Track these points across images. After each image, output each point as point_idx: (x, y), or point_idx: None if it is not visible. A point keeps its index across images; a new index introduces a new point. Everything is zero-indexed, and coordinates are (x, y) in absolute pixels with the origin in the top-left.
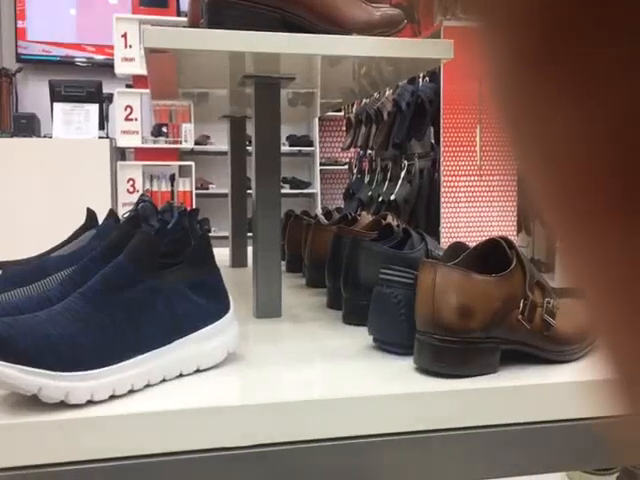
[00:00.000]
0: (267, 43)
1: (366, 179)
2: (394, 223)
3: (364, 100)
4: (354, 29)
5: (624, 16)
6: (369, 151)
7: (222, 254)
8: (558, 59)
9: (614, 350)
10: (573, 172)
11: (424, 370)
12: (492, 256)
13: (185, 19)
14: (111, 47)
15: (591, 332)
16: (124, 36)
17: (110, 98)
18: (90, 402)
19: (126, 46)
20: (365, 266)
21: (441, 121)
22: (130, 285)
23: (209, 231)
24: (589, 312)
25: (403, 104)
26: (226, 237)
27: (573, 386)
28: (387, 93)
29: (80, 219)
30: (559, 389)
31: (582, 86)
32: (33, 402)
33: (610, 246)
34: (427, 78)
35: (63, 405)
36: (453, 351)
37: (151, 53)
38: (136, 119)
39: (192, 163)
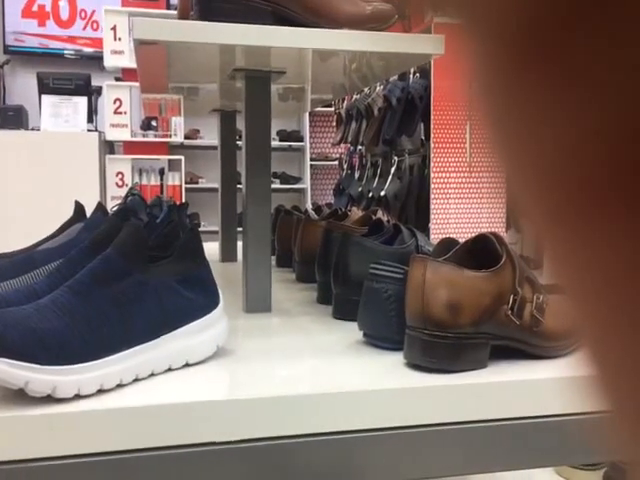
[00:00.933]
0: (258, 36)
1: (356, 175)
2: (384, 218)
3: (355, 96)
4: (345, 23)
5: (613, 12)
6: (359, 147)
7: (211, 248)
8: (542, 57)
9: (599, 349)
10: (559, 174)
11: (414, 365)
12: (482, 252)
13: (175, 12)
14: (100, 40)
15: (575, 329)
16: (113, 29)
17: (99, 91)
18: (77, 396)
19: (115, 39)
20: (355, 261)
21: (431, 117)
22: (118, 278)
23: (199, 226)
24: (573, 310)
25: (393, 100)
26: (216, 232)
27: (562, 382)
28: (377, 89)
29: (68, 213)
30: (548, 385)
31: (568, 86)
32: (20, 396)
33: (596, 247)
34: (418, 74)
35: (50, 399)
36: (443, 346)
37: (141, 45)
38: (125, 112)
39: (182, 157)
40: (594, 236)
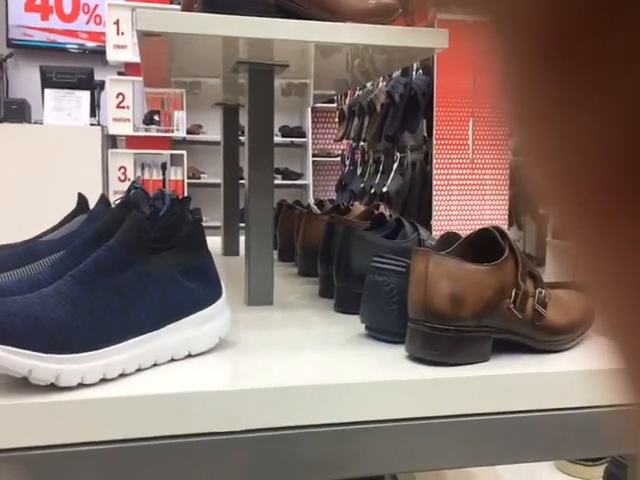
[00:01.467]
0: (261, 29)
1: (358, 171)
2: (387, 213)
3: (357, 92)
4: (349, 17)
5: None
6: (362, 143)
7: (214, 242)
8: (568, 55)
9: (625, 343)
10: (583, 170)
11: (415, 358)
12: (484, 246)
13: (178, 7)
14: (103, 34)
15: (587, 322)
16: (116, 23)
17: (102, 85)
18: (81, 385)
19: (118, 33)
20: (357, 255)
21: (434, 114)
22: (121, 269)
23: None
24: (597, 305)
25: (396, 96)
26: (218, 227)
27: (563, 375)
28: (380, 85)
29: (70, 206)
30: (550, 378)
31: (593, 83)
32: (23, 384)
33: (620, 243)
34: (420, 71)
35: (53, 387)
36: (444, 339)
37: (144, 37)
38: (128, 107)
39: (184, 152)
40: (620, 228)
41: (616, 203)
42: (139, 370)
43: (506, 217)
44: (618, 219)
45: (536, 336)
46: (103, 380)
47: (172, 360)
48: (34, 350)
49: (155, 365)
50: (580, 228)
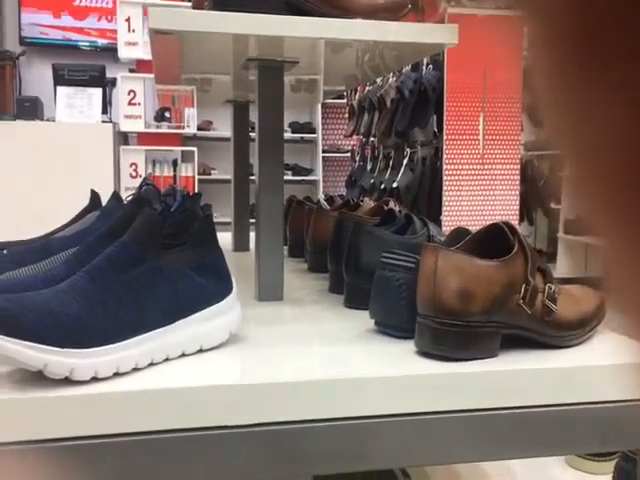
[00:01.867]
0: (271, 26)
1: (368, 167)
2: (396, 209)
3: (367, 87)
4: (358, 13)
5: None
6: (372, 139)
7: (224, 238)
8: (600, 47)
9: None
10: (616, 163)
11: (424, 353)
12: (494, 242)
13: (189, 4)
14: (114, 31)
15: (597, 318)
16: (128, 20)
17: (113, 82)
18: (94, 379)
19: (130, 30)
20: (367, 250)
21: (444, 109)
22: (133, 265)
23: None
24: (624, 300)
25: (406, 92)
26: (228, 223)
27: (573, 371)
28: (390, 80)
29: (83, 203)
30: (559, 374)
31: (620, 74)
32: (38, 378)
33: None
34: (431, 66)
35: (68, 381)
36: (453, 334)
37: (156, 34)
38: (139, 104)
39: (195, 148)
40: None
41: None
42: (151, 364)
43: (517, 212)
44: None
45: (546, 331)
46: (116, 374)
47: (183, 355)
48: (49, 345)
49: (167, 360)
50: (609, 218)
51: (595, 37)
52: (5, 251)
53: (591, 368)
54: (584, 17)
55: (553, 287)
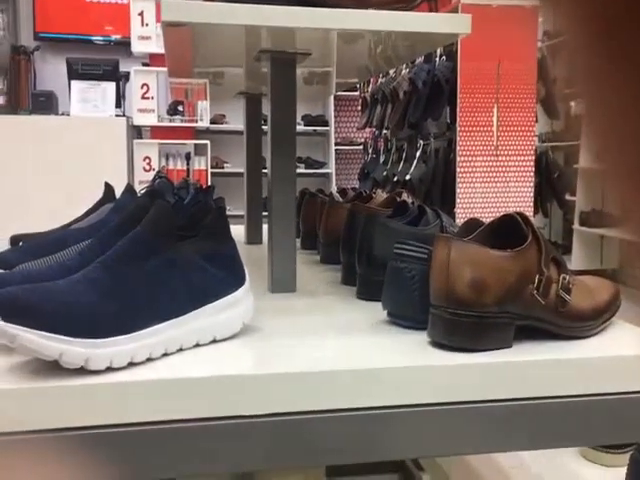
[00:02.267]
0: (284, 17)
1: (381, 159)
2: (409, 200)
3: (380, 79)
4: (371, 4)
5: None
6: (384, 131)
7: (237, 231)
8: (615, 38)
9: None
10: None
11: (438, 344)
12: (507, 232)
13: None
14: (128, 26)
15: (612, 309)
16: (141, 14)
17: (127, 76)
18: (109, 369)
19: (143, 24)
20: (380, 242)
21: (457, 101)
22: (148, 256)
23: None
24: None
25: (419, 83)
26: (241, 216)
27: (588, 362)
28: (403, 72)
29: (97, 196)
30: (573, 365)
31: (635, 61)
32: (54, 368)
33: None
34: (444, 57)
35: (83, 371)
36: (467, 325)
37: (168, 27)
38: (152, 97)
39: (208, 142)
40: None
41: None
42: (165, 355)
43: (531, 204)
44: None
45: (559, 322)
46: (131, 364)
47: (197, 345)
48: (65, 334)
49: (181, 350)
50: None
51: (613, 29)
52: (21, 244)
53: (605, 359)
54: (603, 11)
55: (567, 278)
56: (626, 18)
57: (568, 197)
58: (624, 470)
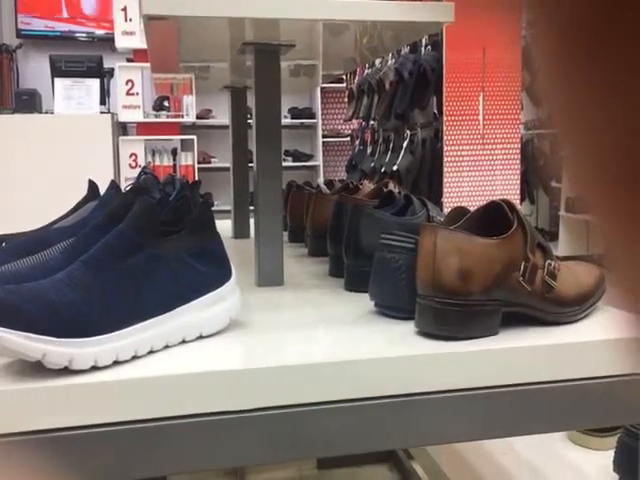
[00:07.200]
0: (267, 8)
1: (368, 150)
2: (396, 190)
3: (366, 70)
4: None
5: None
6: (371, 122)
7: (224, 226)
8: (599, 39)
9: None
10: (607, 141)
11: (425, 333)
12: (493, 220)
13: None
14: (111, 21)
15: (597, 294)
16: (124, 10)
17: (111, 73)
18: (94, 368)
19: (126, 20)
20: (367, 233)
21: (443, 90)
22: (131, 253)
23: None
24: (618, 275)
25: (405, 73)
26: (229, 211)
27: (574, 347)
28: (389, 63)
29: (82, 194)
30: (560, 350)
31: (620, 65)
32: (37, 368)
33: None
34: (429, 47)
35: (67, 371)
36: (454, 314)
37: (150, 21)
38: (137, 94)
39: (194, 137)
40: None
41: (631, 171)
42: (151, 352)
43: (518, 192)
44: (632, 183)
45: (545, 308)
46: (116, 362)
47: (184, 342)
48: (47, 335)
49: (167, 347)
50: (605, 198)
51: (598, 30)
52: (4, 244)
53: (591, 344)
54: (588, 11)
55: (553, 264)
56: (617, 18)
57: (554, 184)
58: (611, 453)
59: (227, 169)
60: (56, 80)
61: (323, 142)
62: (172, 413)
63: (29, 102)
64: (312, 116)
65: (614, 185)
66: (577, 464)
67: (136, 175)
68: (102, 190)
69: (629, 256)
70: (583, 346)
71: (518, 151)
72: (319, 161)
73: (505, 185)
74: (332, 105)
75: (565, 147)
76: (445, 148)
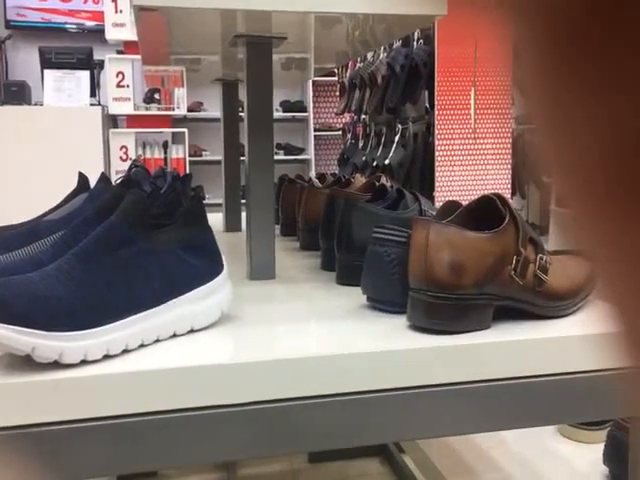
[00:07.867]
0: (258, 0)
1: (360, 144)
2: (388, 184)
3: (358, 64)
4: None
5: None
6: (363, 116)
7: (215, 219)
8: (577, 43)
9: (622, 308)
10: (589, 147)
11: (417, 327)
12: (485, 214)
13: None
14: (101, 13)
15: (589, 288)
16: (114, 1)
17: (101, 65)
18: (84, 362)
19: (117, 11)
20: (359, 227)
21: (435, 84)
22: (122, 245)
23: (203, 198)
24: (598, 272)
25: (397, 67)
26: (220, 204)
27: (565, 340)
28: (381, 56)
29: (72, 187)
30: (551, 344)
31: (599, 70)
32: (27, 362)
33: (623, 217)
34: (421, 41)
35: (57, 365)
36: (446, 307)
37: (141, 12)
38: (128, 86)
39: (185, 130)
40: (622, 204)
41: (621, 183)
42: (142, 346)
43: (509, 186)
44: (622, 197)
45: (537, 302)
46: (106, 356)
47: (175, 335)
48: (37, 328)
49: (158, 341)
50: (585, 201)
51: (576, 33)
52: None
53: (582, 337)
54: (566, 14)
55: (544, 258)
56: (597, 20)
57: (545, 178)
58: (601, 446)
59: (218, 162)
60: (46, 72)
61: (315, 136)
62: (163, 407)
63: (18, 94)
64: (304, 109)
65: (602, 196)
66: (567, 457)
67: (127, 168)
68: (92, 183)
69: (617, 261)
70: (574, 340)
71: (509, 145)
72: (311, 155)
73: (497, 179)
74: (324, 99)
75: (547, 150)
76: (437, 142)
